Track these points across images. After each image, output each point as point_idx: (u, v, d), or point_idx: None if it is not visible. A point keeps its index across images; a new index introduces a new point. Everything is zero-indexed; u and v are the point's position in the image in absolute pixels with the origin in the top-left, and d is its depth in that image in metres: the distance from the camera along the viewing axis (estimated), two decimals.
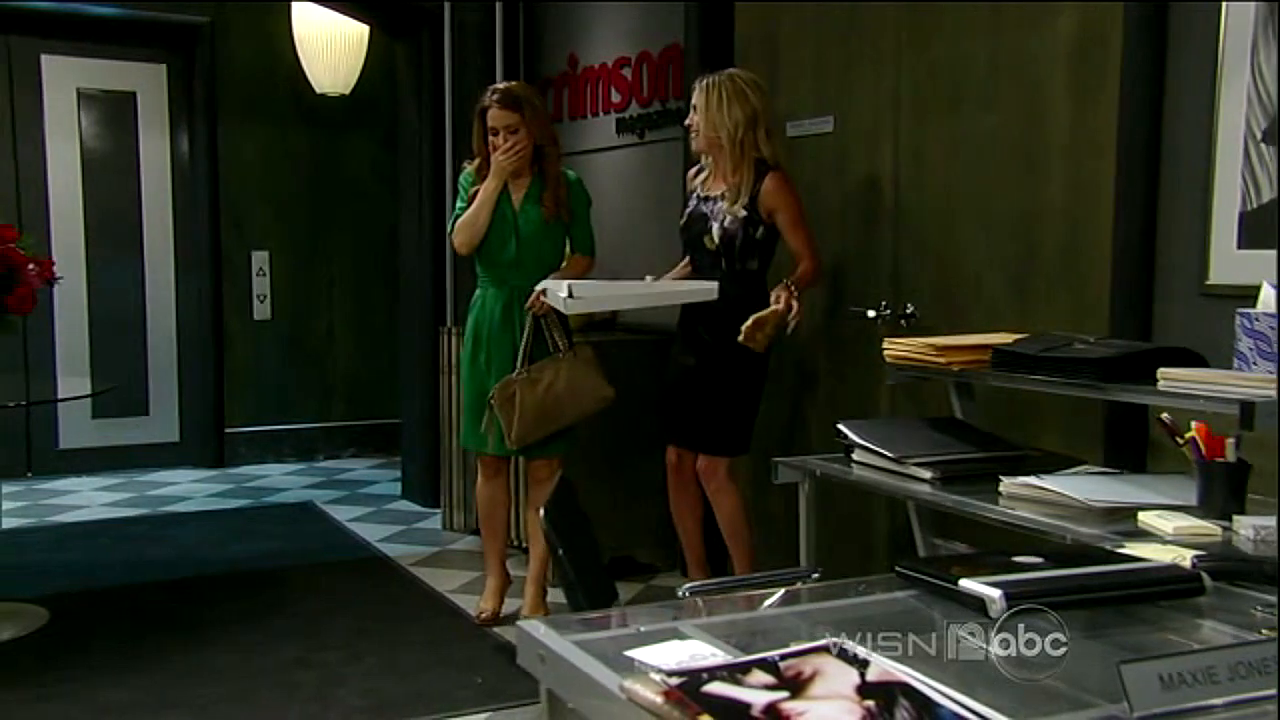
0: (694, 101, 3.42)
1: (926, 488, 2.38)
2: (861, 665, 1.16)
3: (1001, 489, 2.25)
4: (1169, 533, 1.88)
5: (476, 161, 3.61)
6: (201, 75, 6.18)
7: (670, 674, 1.14)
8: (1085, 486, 2.17)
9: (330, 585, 4.21)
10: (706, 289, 3.34)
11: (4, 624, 3.65)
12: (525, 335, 3.56)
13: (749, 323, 3.21)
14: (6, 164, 5.96)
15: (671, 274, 3.67)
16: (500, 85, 3.65)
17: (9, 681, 3.26)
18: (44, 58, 6.03)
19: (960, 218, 3.28)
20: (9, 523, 5.04)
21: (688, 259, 3.61)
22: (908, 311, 3.41)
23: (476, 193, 3.57)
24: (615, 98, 4.77)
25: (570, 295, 3.31)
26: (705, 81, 3.39)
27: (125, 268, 6.23)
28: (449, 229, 3.66)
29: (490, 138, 3.53)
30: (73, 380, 5.52)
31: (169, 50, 6.23)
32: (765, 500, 3.79)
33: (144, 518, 5.28)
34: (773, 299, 3.28)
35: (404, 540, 4.84)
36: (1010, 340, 2.54)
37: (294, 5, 5.74)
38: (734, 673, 1.15)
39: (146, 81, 6.25)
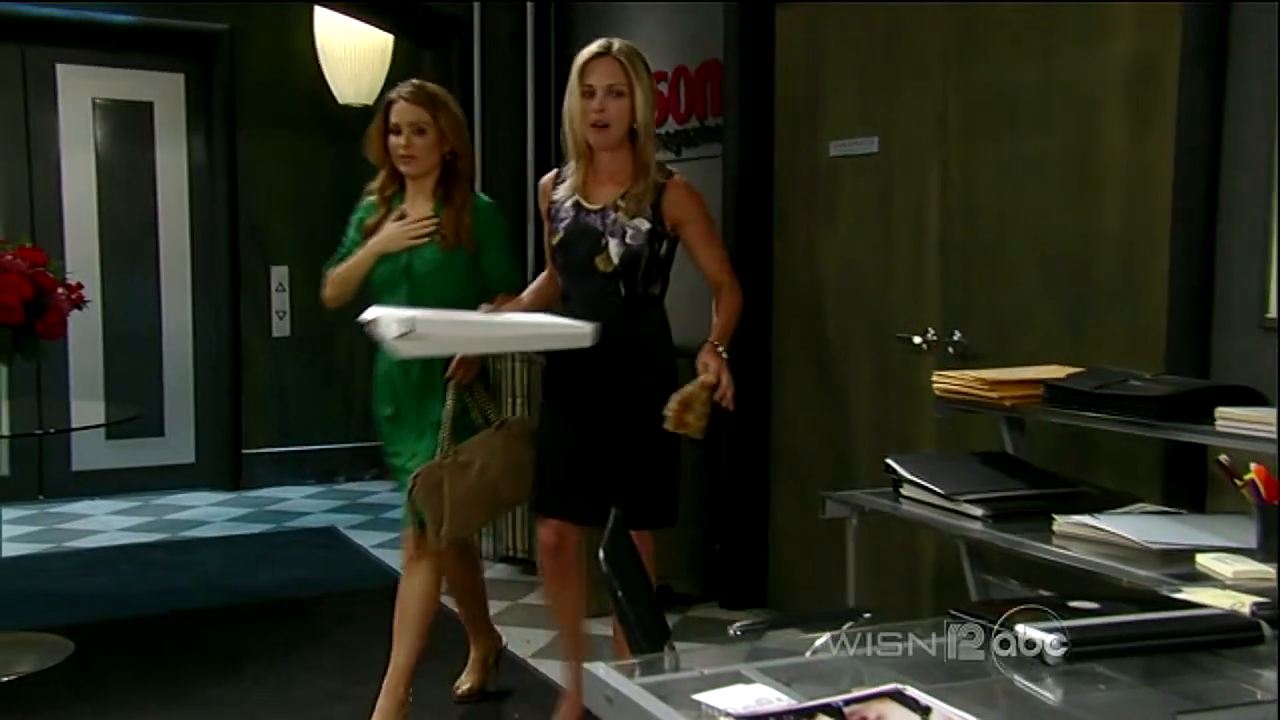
0: (607, 83, 2.87)
1: (978, 525, 2.47)
2: (924, 712, 1.28)
3: (1055, 528, 2.34)
4: (1228, 577, 1.96)
5: (381, 178, 3.22)
6: (220, 85, 6.33)
7: (739, 718, 1.27)
8: (1142, 527, 2.26)
9: (360, 615, 4.31)
10: (581, 332, 2.70)
11: (27, 655, 3.76)
12: (447, 410, 3.05)
13: (673, 404, 2.70)
14: (20, 176, 6.13)
15: (526, 294, 3.14)
16: (414, 81, 3.29)
17: (36, 716, 3.38)
18: (59, 67, 6.20)
19: (1011, 244, 3.37)
20: (28, 548, 5.20)
21: (542, 279, 3.14)
22: (955, 339, 3.51)
23: (370, 228, 3.19)
24: None
25: (408, 333, 2.59)
26: (616, 47, 2.90)
27: (141, 283, 6.39)
28: (326, 270, 3.23)
29: (391, 137, 3.13)
30: (87, 403, 5.64)
31: (187, 59, 6.39)
32: (809, 524, 3.90)
33: (164, 543, 5.43)
34: (699, 367, 2.78)
35: None
36: (1063, 375, 2.63)
37: (316, 14, 5.89)
38: (800, 717, 1.27)
39: (164, 91, 6.41)
